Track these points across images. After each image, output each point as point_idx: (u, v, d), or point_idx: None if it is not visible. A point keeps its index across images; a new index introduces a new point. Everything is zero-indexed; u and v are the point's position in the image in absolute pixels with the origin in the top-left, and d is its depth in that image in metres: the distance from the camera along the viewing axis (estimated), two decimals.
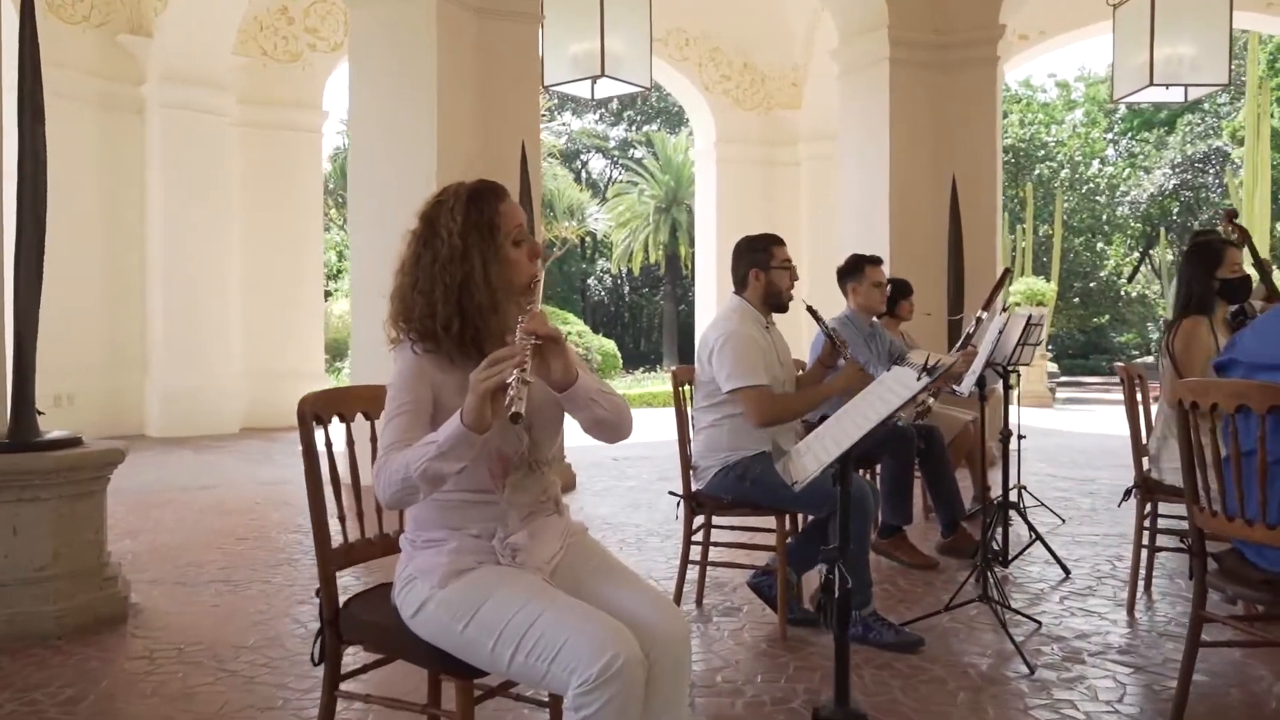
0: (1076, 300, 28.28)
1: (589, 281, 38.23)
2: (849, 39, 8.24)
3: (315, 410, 1.99)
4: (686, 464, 3.55)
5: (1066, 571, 4.27)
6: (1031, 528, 4.59)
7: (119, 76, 9.58)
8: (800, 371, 3.79)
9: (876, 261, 4.95)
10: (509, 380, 1.57)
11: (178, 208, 9.66)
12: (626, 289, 38.56)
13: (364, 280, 6.87)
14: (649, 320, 38.15)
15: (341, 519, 2.06)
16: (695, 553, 3.68)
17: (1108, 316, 30.00)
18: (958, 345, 5.28)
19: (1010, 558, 4.32)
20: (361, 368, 6.80)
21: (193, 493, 6.61)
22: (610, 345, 20.68)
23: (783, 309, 3.59)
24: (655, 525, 5.50)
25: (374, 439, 1.86)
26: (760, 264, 3.53)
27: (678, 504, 3.59)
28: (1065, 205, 26.26)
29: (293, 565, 4.51)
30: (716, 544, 3.63)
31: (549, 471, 1.95)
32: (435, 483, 1.66)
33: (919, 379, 2.04)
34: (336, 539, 2.03)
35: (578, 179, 34.48)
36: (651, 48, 8.41)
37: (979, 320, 5.20)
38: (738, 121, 12.40)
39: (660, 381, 20.12)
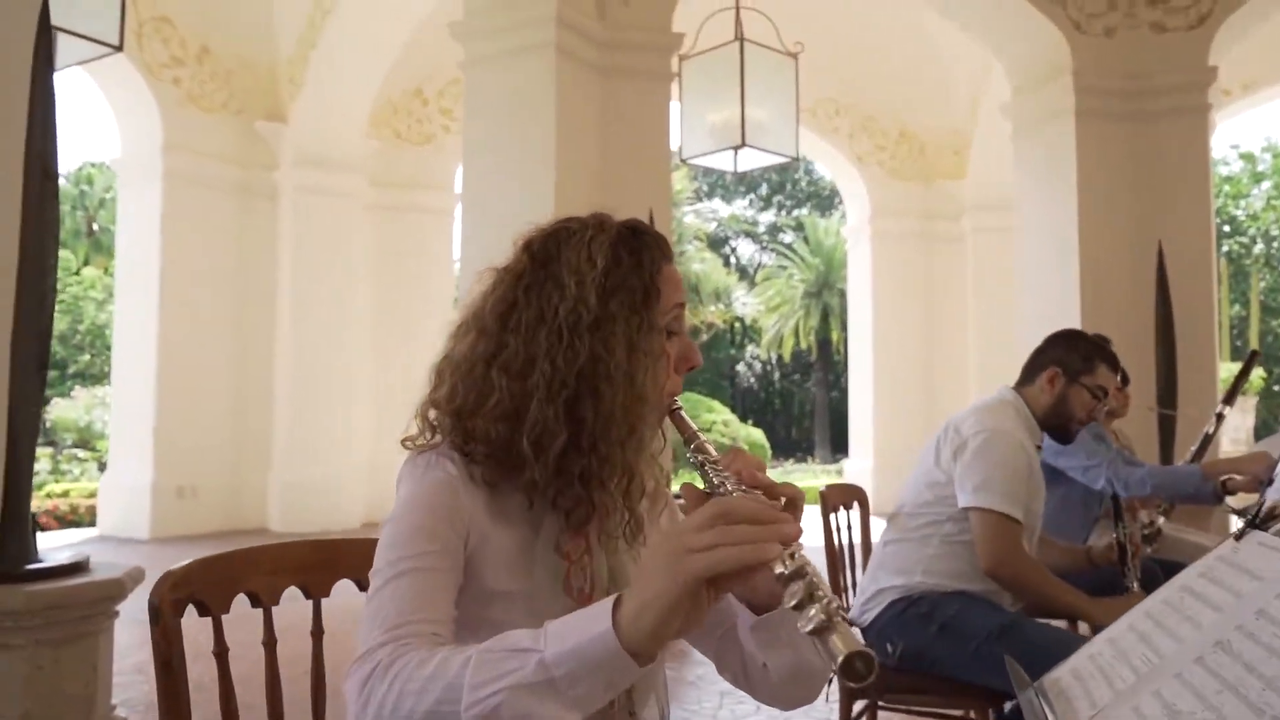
0: (1278, 388, 25.55)
1: (737, 368, 37.39)
2: (1024, 91, 7.22)
3: (190, 596, 1.16)
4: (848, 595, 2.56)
5: None
6: None
7: (254, 163, 9.48)
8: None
9: (1112, 360, 2.73)
10: (777, 564, 0.80)
11: (306, 292, 9.39)
12: (777, 375, 37.52)
13: None
14: (800, 407, 36.90)
15: None
16: None
17: None
18: (1194, 449, 4.14)
19: None
20: None
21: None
22: (758, 434, 19.66)
23: (1064, 439, 2.66)
24: None
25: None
26: (1070, 368, 2.59)
27: (829, 680, 2.60)
28: (1261, 284, 23.88)
29: None
30: None
31: None
32: None
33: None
34: None
35: (726, 264, 33.93)
36: (798, 116, 7.70)
37: (1219, 416, 4.08)
38: (894, 194, 11.42)
39: (812, 475, 18.93)
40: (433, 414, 1.14)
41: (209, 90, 9.22)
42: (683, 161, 7.73)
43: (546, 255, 1.13)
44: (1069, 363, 2.60)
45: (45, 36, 2.97)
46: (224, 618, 1.21)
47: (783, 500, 0.97)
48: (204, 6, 9.02)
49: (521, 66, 6.04)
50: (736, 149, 7.33)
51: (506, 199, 6.09)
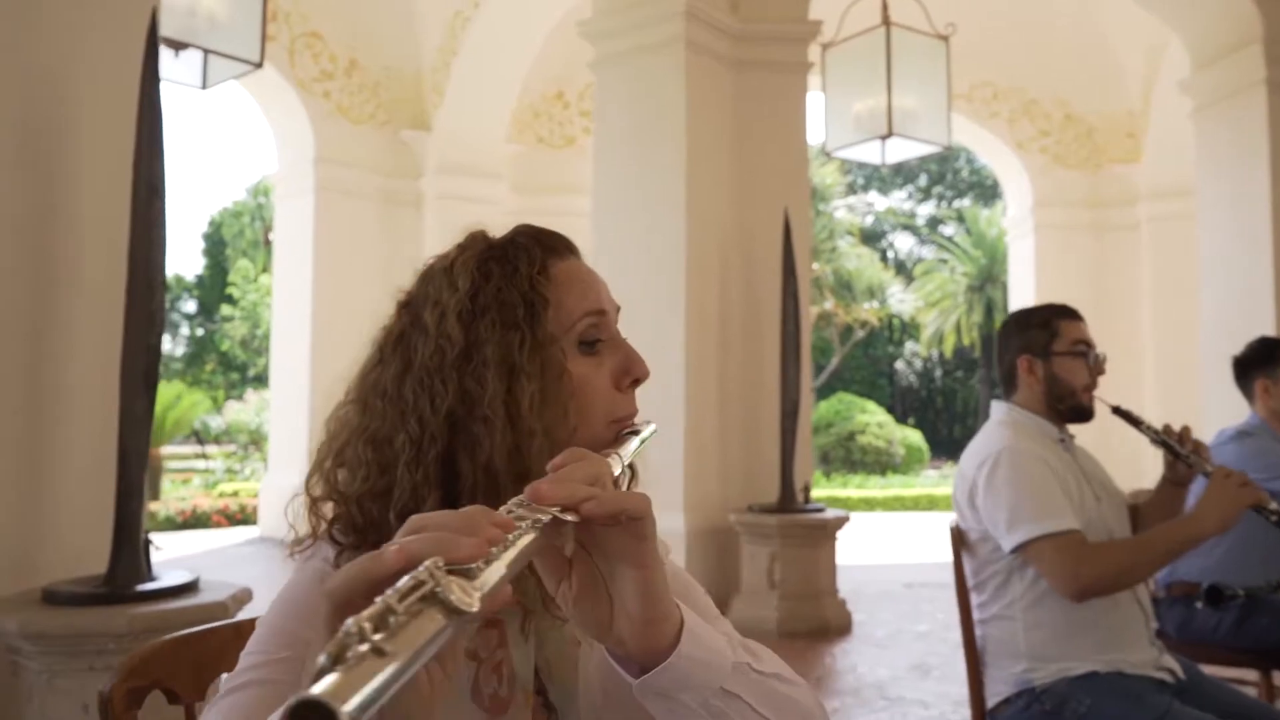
0: None
1: (896, 365, 36.25)
2: (1207, 64, 6.53)
3: (154, 683, 1.00)
4: (975, 683, 2.22)
5: None
6: None
7: (400, 171, 9.67)
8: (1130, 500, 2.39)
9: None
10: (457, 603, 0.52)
11: None
12: (938, 373, 36.19)
13: None
14: (963, 405, 35.46)
15: None
16: None
17: None
18: None
19: None
20: None
21: None
22: (915, 436, 18.92)
23: (1082, 416, 2.25)
24: (948, 709, 4.11)
25: None
26: (1036, 348, 2.25)
27: None
28: None
29: None
30: None
31: None
32: None
33: None
34: None
35: (883, 259, 32.92)
36: (950, 102, 7.26)
37: None
38: (1060, 182, 10.65)
39: None
40: (310, 505, 0.93)
41: (357, 102, 9.45)
42: (827, 154, 7.41)
43: (412, 299, 0.94)
44: (1031, 341, 2.26)
45: (152, 54, 2.97)
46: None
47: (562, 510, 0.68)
48: (353, 21, 9.25)
49: (651, 63, 5.87)
50: (884, 139, 6.97)
51: (637, 200, 5.94)
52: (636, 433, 0.93)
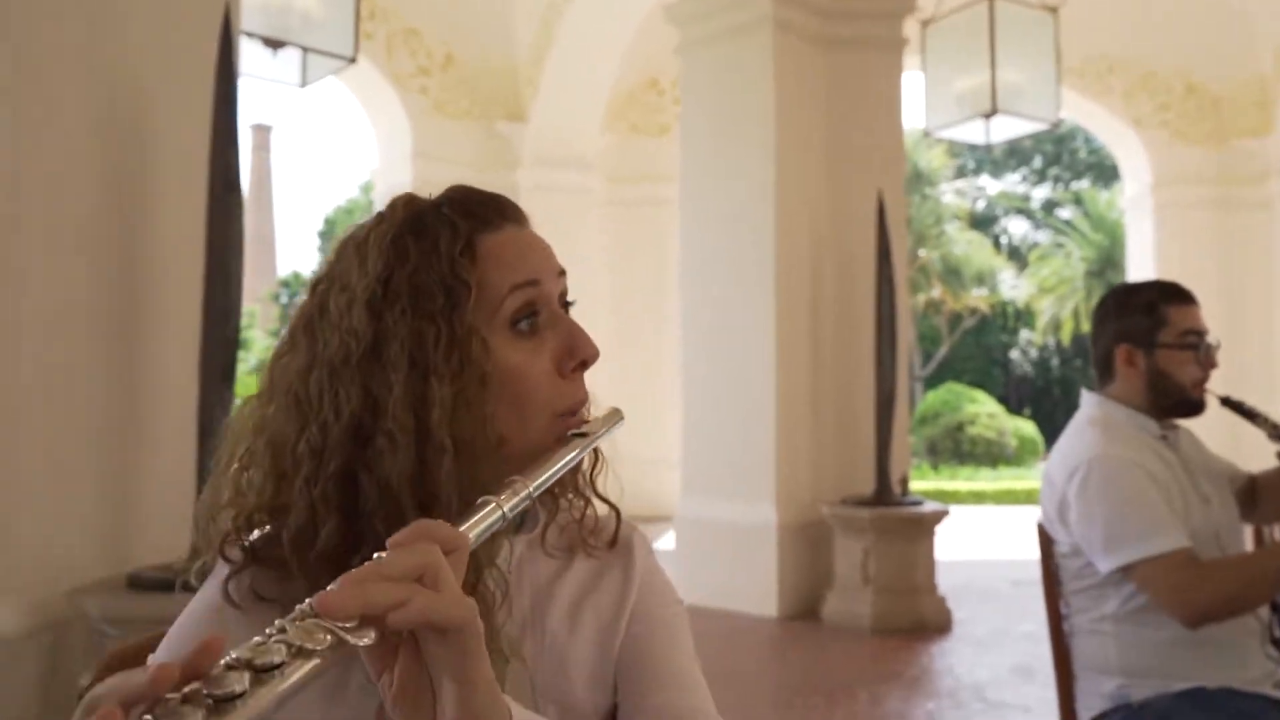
0: None
1: (1010, 354, 35.10)
2: None
3: None
4: (1065, 695, 2.04)
5: None
6: None
7: (496, 164, 9.74)
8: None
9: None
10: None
11: None
12: (1055, 361, 34.89)
13: (694, 365, 6.01)
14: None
15: None
16: None
17: None
18: None
19: None
20: (694, 488, 5.97)
21: None
22: (1029, 428, 18.24)
23: (1191, 411, 2.02)
24: (1052, 716, 3.90)
25: None
26: (1138, 337, 1.99)
27: None
28: None
29: None
30: None
31: None
32: None
33: None
34: None
35: (995, 244, 31.86)
36: (1059, 77, 6.95)
37: None
38: (1181, 158, 10.06)
39: None
40: (208, 518, 0.82)
41: (454, 97, 9.56)
42: (928, 136, 7.16)
43: (322, 277, 0.82)
44: (1133, 329, 1.98)
45: (226, 49, 3.00)
46: None
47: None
48: (449, 16, 9.35)
49: (738, 46, 5.76)
50: (987, 117, 6.70)
51: (725, 186, 5.84)
52: (584, 435, 0.81)
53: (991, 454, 17.01)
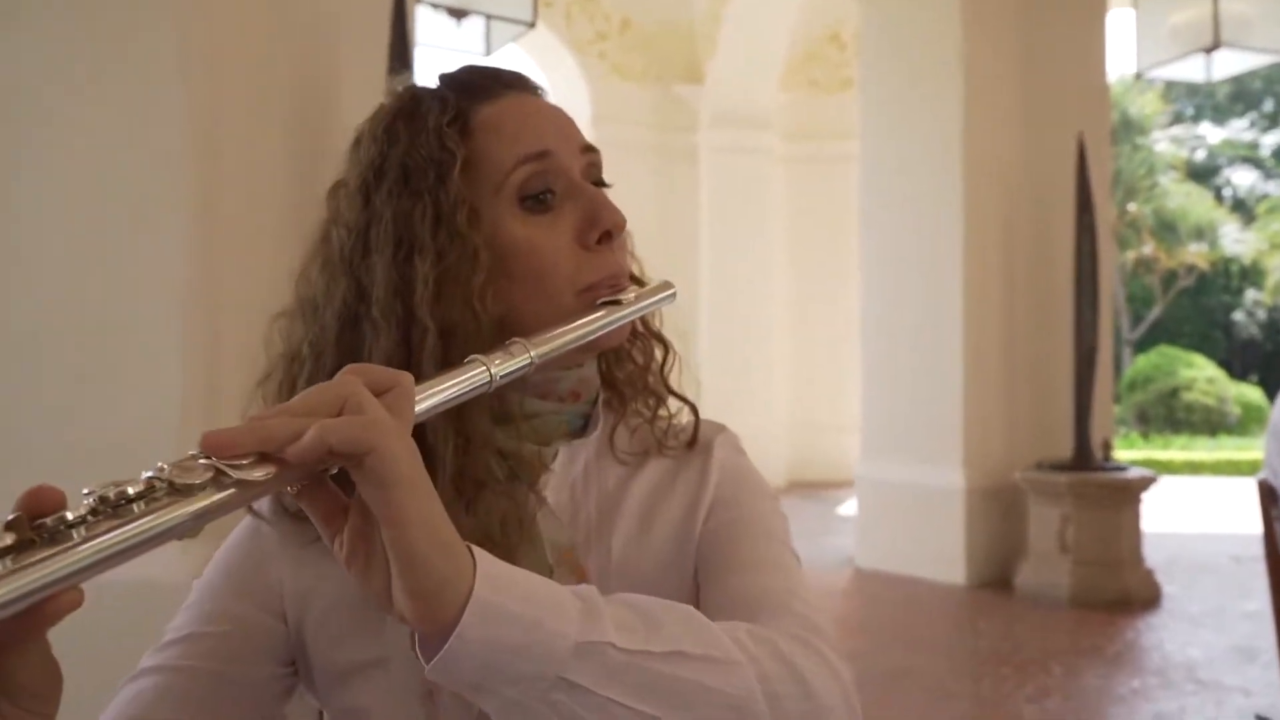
0: None
1: (1234, 316, 32.30)
2: None
3: None
4: None
5: None
6: None
7: (673, 126, 9.70)
8: None
9: None
10: None
11: (724, 252, 9.46)
12: None
13: (876, 323, 5.81)
14: None
15: None
16: None
17: None
18: None
19: None
20: (875, 450, 5.79)
21: None
22: (1255, 394, 16.76)
23: None
24: (1277, 699, 3.54)
25: None
26: None
27: None
28: None
29: None
30: None
31: None
32: None
33: None
34: None
35: (1217, 197, 29.28)
36: None
37: None
38: None
39: None
40: None
41: (631, 59, 9.57)
42: (1137, 77, 6.63)
43: (333, 189, 0.77)
44: None
45: (400, 18, 3.06)
46: None
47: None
48: None
49: None
50: (1208, 51, 6.11)
51: (908, 136, 5.59)
52: (616, 303, 0.73)
53: (1210, 422, 15.71)
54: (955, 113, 5.33)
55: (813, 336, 9.84)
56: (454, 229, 0.69)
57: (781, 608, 0.68)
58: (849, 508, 6.72)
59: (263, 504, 0.74)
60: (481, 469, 0.69)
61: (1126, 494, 5.04)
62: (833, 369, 9.74)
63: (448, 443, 0.67)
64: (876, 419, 5.88)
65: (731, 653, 0.59)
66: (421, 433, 0.66)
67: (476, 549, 0.54)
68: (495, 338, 0.66)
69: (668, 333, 0.85)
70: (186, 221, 2.32)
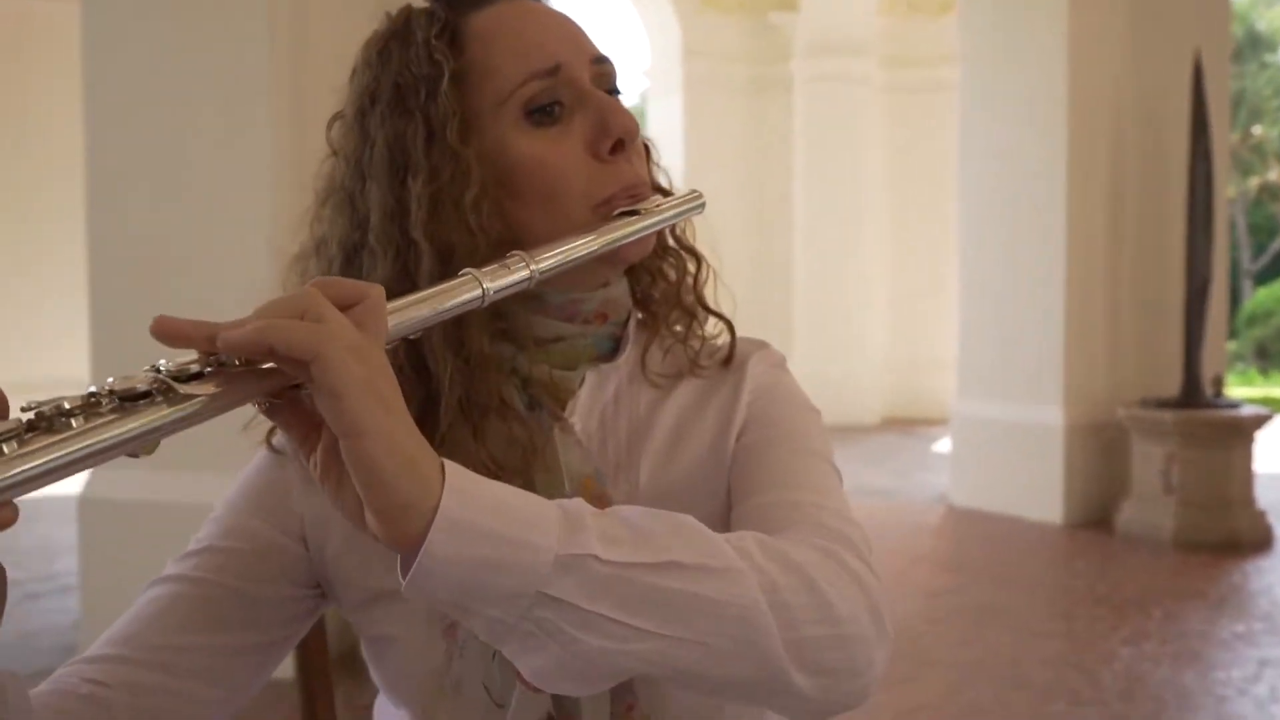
0: None
1: None
2: None
3: None
4: None
5: None
6: None
7: (767, 57, 9.49)
8: None
9: None
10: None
11: (820, 185, 9.27)
12: None
13: (974, 254, 5.66)
14: None
15: None
16: None
17: None
18: None
19: None
20: (971, 387, 5.67)
21: None
22: None
23: None
24: None
25: None
26: None
27: None
28: None
29: None
30: None
31: None
32: None
33: None
34: None
35: None
36: None
37: None
38: None
39: None
40: None
41: None
42: None
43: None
44: None
45: None
46: None
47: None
48: None
49: None
50: None
51: (1012, 62, 5.36)
52: (634, 213, 0.69)
53: None
54: (1060, 30, 5.08)
55: (911, 272, 9.62)
56: (445, 147, 0.67)
57: (807, 520, 0.64)
58: (944, 445, 6.60)
59: (278, 439, 0.74)
60: (487, 394, 0.67)
61: (1238, 432, 4.83)
62: (931, 305, 9.52)
63: (445, 365, 0.66)
64: (974, 355, 5.74)
65: (732, 561, 0.56)
66: (421, 357, 0.66)
67: (451, 464, 0.52)
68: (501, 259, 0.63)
69: (700, 249, 0.81)
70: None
